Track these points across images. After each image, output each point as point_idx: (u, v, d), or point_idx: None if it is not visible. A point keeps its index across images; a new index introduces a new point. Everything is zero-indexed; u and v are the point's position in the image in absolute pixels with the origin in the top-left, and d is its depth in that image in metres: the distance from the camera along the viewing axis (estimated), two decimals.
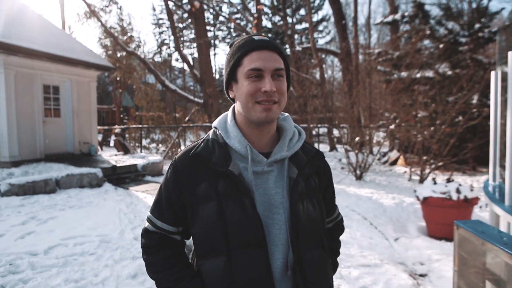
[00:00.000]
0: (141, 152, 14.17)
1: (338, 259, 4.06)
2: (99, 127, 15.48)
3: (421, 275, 3.78)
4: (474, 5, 16.24)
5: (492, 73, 3.03)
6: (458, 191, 4.83)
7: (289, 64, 1.19)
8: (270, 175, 1.11)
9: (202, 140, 1.17)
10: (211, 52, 41.66)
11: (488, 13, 10.02)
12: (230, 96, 1.17)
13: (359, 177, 8.92)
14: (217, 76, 44.10)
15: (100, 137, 16.26)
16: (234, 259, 1.04)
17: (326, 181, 1.26)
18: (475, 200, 4.87)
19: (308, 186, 1.15)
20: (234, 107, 1.20)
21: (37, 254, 3.98)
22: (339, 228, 1.38)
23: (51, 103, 9.89)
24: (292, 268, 1.07)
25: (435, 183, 5.24)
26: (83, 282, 3.40)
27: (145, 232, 1.21)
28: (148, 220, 1.21)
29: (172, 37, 38.98)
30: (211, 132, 1.20)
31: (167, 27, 39.48)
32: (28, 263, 3.68)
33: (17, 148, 8.58)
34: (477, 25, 9.49)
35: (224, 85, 1.18)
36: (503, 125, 3.19)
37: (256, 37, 1.10)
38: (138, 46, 19.95)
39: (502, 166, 3.21)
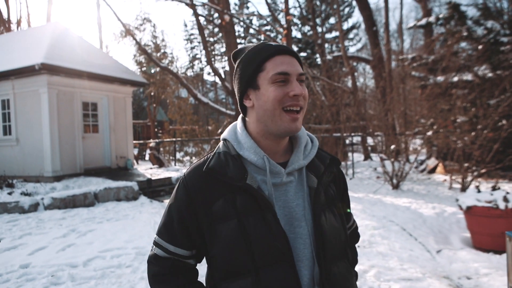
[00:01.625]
0: (175, 165, 14.45)
1: (377, 271, 3.89)
2: (134, 142, 15.97)
3: None
4: None
5: None
6: (505, 199, 4.52)
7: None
8: (289, 187, 1.05)
9: (211, 154, 1.10)
10: None
11: None
12: (246, 105, 1.07)
13: (395, 186, 8.60)
14: None
15: (136, 151, 16.77)
16: (263, 279, 0.97)
17: (342, 189, 1.20)
18: None
19: (327, 195, 1.09)
20: (242, 119, 1.14)
21: (76, 266, 4.09)
22: (355, 236, 1.31)
23: (89, 119, 10.32)
24: (319, 284, 1.01)
25: (479, 191, 4.94)
26: None
27: (155, 259, 1.10)
28: (157, 245, 1.10)
29: (203, 52, 39.89)
30: (220, 145, 1.12)
31: (199, 42, 40.46)
32: (68, 275, 3.78)
33: (59, 164, 8.97)
34: None
35: (238, 95, 1.10)
36: None
37: (272, 43, 1.06)
38: (171, 62, 20.53)
39: None
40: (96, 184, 8.21)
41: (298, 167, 1.06)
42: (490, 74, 9.36)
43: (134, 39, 11.48)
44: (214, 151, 1.10)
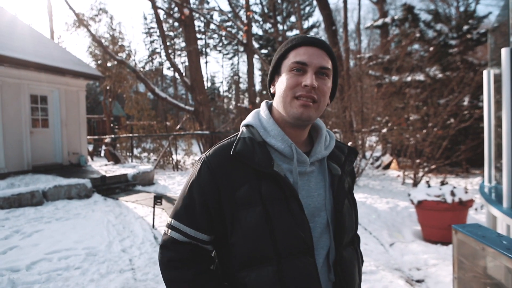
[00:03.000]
0: (132, 161, 13.98)
1: None
2: (89, 137, 15.29)
3: (418, 281, 3.68)
4: (462, 9, 16.44)
5: (485, 73, 2.97)
6: (452, 193, 4.76)
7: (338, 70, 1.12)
8: (311, 176, 1.06)
9: (235, 138, 1.06)
10: (202, 60, 41.67)
11: (475, 16, 10.09)
12: (271, 90, 1.11)
13: None
14: (208, 84, 44.13)
15: (90, 147, 16.06)
16: (285, 268, 0.96)
17: (354, 178, 1.25)
18: (470, 203, 4.81)
19: (348, 184, 1.14)
20: (267, 104, 1.13)
21: (18, 270, 3.80)
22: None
23: (39, 113, 9.71)
24: (333, 270, 1.04)
25: (429, 186, 5.17)
26: None
27: (172, 243, 1.04)
28: (174, 229, 1.04)
29: (163, 46, 39.01)
30: (244, 129, 1.09)
31: (158, 36, 39.43)
32: (8, 280, 3.51)
33: (3, 160, 8.37)
34: (465, 27, 9.55)
35: (268, 79, 1.12)
36: (497, 126, 3.12)
37: (308, 35, 1.07)
38: (129, 55, 19.79)
39: (497, 167, 3.14)
40: (46, 182, 7.73)
41: (321, 157, 1.07)
42: (440, 75, 9.86)
43: (88, 30, 10.93)
44: (238, 136, 1.06)
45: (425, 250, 4.50)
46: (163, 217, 6.07)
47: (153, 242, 4.82)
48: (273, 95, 1.11)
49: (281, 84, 1.03)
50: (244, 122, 1.12)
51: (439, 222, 4.78)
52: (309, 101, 0.99)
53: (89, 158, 12.78)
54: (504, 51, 2.15)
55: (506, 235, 1.74)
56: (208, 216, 1.01)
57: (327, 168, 1.09)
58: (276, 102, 1.06)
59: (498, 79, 2.89)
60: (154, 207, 5.59)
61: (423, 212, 5.00)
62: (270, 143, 1.03)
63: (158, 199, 5.55)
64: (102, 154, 17.01)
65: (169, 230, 1.05)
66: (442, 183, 5.17)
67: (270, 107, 1.12)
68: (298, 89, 0.99)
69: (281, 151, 1.02)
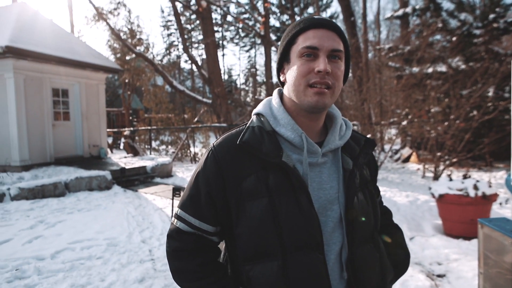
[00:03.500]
0: (150, 154, 14.18)
1: None
2: (108, 130, 15.56)
3: (439, 276, 3.61)
4: None
5: None
6: (475, 187, 4.63)
7: (350, 50, 1.06)
8: (323, 168, 1.01)
9: (244, 127, 1.03)
10: (219, 53, 41.72)
11: (502, 4, 9.71)
12: (281, 79, 1.05)
13: None
14: (225, 77, 44.18)
15: (110, 140, 16.35)
16: (290, 263, 0.92)
17: (374, 170, 1.17)
18: (494, 197, 4.67)
19: (361, 178, 1.06)
20: (279, 92, 1.09)
21: (44, 258, 3.93)
22: (386, 210, 1.27)
23: (60, 107, 9.93)
24: (345, 268, 0.98)
25: (450, 179, 5.05)
26: (89, 287, 3.33)
27: (177, 233, 1.03)
28: (180, 218, 1.03)
29: (180, 39, 39.21)
30: (254, 118, 1.05)
31: (176, 29, 39.64)
32: (35, 268, 3.62)
33: (27, 152, 8.61)
34: (491, 16, 9.21)
35: (276, 67, 1.06)
36: None
37: (316, 16, 1.00)
38: (147, 48, 19.97)
39: None
40: (67, 174, 7.93)
41: (334, 147, 1.02)
42: (463, 66, 9.56)
43: (107, 23, 11.05)
44: (247, 125, 1.03)
45: (446, 245, 4.42)
46: None
47: None
48: (282, 83, 1.07)
49: (292, 72, 0.97)
50: (255, 111, 1.08)
51: (461, 217, 4.68)
52: (323, 88, 0.94)
53: (108, 150, 13.03)
54: None
55: None
56: (213, 206, 0.99)
57: (342, 159, 1.04)
58: (288, 91, 1.01)
59: None
60: (172, 199, 5.64)
61: (444, 206, 4.89)
62: (280, 132, 0.99)
63: (177, 190, 5.60)
64: (121, 147, 17.31)
65: (176, 220, 1.04)
66: (465, 177, 5.04)
67: (281, 95, 1.08)
68: (311, 76, 0.94)
69: (291, 140, 0.98)
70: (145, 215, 5.76)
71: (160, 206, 6.37)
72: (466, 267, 3.71)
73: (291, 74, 0.98)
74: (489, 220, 1.73)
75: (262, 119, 1.03)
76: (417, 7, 10.53)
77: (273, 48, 19.00)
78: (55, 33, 10.30)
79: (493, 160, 9.53)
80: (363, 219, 1.01)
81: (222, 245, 1.13)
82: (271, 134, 0.98)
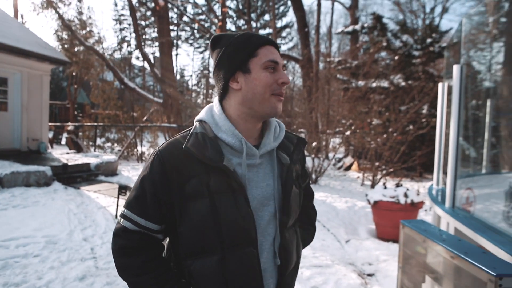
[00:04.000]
0: (95, 151, 13.63)
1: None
2: (50, 124, 14.72)
3: (369, 275, 3.93)
4: (427, 22, 17.24)
5: (440, 85, 3.23)
6: (406, 195, 5.08)
7: None
8: (260, 168, 1.11)
9: (187, 134, 1.10)
10: (173, 52, 41.03)
11: (439, 30, 10.68)
12: (233, 87, 1.09)
13: (314, 181, 9.13)
14: (178, 77, 43.46)
15: (50, 134, 15.47)
16: (228, 258, 1.02)
17: (304, 163, 1.30)
18: (420, 204, 5.15)
19: (296, 172, 1.19)
20: (218, 101, 1.15)
21: None
22: (309, 192, 1.41)
23: None
24: (279, 254, 1.11)
25: (385, 187, 5.47)
26: (25, 285, 3.21)
27: (123, 232, 1.08)
28: (126, 218, 1.08)
29: (133, 35, 37.99)
30: (196, 125, 1.13)
31: (129, 24, 38.34)
32: None
33: None
34: (428, 40, 10.10)
35: (223, 77, 1.10)
36: (448, 134, 3.42)
37: (258, 34, 1.12)
38: (98, 42, 19.15)
39: (444, 172, 3.43)
40: (2, 168, 7.42)
41: (270, 149, 1.12)
42: (403, 83, 10.36)
43: (57, 12, 10.49)
44: (191, 131, 1.10)
45: (378, 247, 4.79)
46: None
47: None
48: (223, 92, 1.12)
49: (255, 81, 1.05)
50: (197, 117, 1.15)
51: (392, 222, 5.09)
52: (281, 97, 1.08)
53: (49, 145, 12.33)
54: (455, 68, 2.38)
55: (445, 230, 1.96)
56: (158, 206, 1.05)
57: (277, 158, 1.14)
58: (244, 98, 1.07)
59: (451, 92, 3.17)
60: (118, 197, 5.55)
61: (378, 211, 5.30)
62: (222, 138, 1.07)
63: (123, 189, 5.52)
64: (63, 142, 16.43)
65: (122, 219, 1.10)
66: (397, 185, 5.50)
67: (221, 103, 1.15)
68: (275, 86, 1.06)
69: (232, 145, 1.06)
70: (87, 213, 5.59)
71: (103, 204, 6.21)
72: (392, 267, 4.07)
73: (253, 83, 1.05)
74: (409, 222, 1.99)
75: (205, 125, 1.10)
76: (365, 25, 11.22)
77: None
78: None
79: (423, 171, 10.39)
80: (294, 209, 1.15)
81: (165, 241, 1.21)
82: (213, 140, 1.06)
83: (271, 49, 1.08)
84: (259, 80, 1.05)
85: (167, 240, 1.18)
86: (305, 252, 4.34)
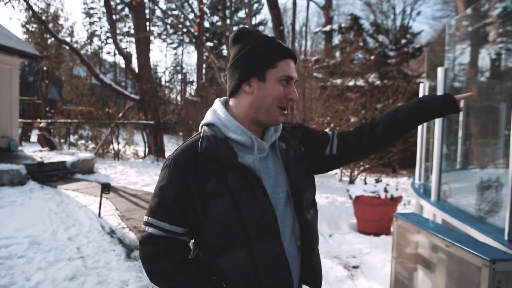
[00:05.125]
0: (69, 148, 13.25)
1: None
2: (20, 120, 14.15)
3: (354, 267, 4.09)
4: (398, 23, 17.79)
5: (421, 85, 3.40)
6: (386, 190, 5.29)
7: None
8: (268, 160, 1.17)
9: (198, 138, 1.13)
10: None
11: (411, 32, 11.08)
12: (245, 89, 1.13)
13: None
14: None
15: (19, 131, 14.87)
16: (255, 250, 1.06)
17: (310, 137, 1.33)
18: (399, 199, 5.38)
19: (296, 154, 1.24)
20: (222, 102, 1.21)
21: None
22: (343, 135, 1.37)
23: None
24: (300, 237, 1.16)
25: (365, 183, 5.67)
26: (13, 287, 3.14)
27: (151, 238, 1.11)
28: (150, 225, 1.11)
29: (103, 29, 36.98)
30: (205, 128, 1.16)
31: (99, 18, 37.32)
32: None
33: None
34: (403, 41, 10.46)
35: (238, 76, 1.13)
36: (427, 132, 3.62)
37: (285, 45, 1.15)
38: (70, 35, 18.53)
39: (425, 168, 3.63)
40: None
41: (274, 139, 1.20)
42: (378, 82, 10.69)
43: (27, 3, 10.06)
44: (201, 135, 1.13)
45: (360, 241, 4.97)
46: (108, 206, 5.95)
47: (101, 231, 4.75)
48: (234, 91, 1.16)
49: (268, 91, 1.10)
50: (204, 122, 1.19)
51: (373, 216, 5.30)
52: (286, 112, 1.14)
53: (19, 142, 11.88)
54: (440, 70, 2.53)
55: (435, 221, 2.10)
56: (180, 210, 1.08)
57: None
58: (253, 103, 1.12)
59: (432, 91, 3.36)
60: (101, 196, 5.47)
61: (359, 206, 5.49)
62: (232, 138, 1.12)
63: (106, 187, 5.45)
64: (33, 139, 15.84)
65: (146, 227, 1.12)
66: (377, 181, 5.71)
67: (224, 104, 1.21)
68: (283, 100, 1.11)
69: (242, 143, 1.11)
70: (69, 212, 5.48)
71: (84, 203, 6.09)
72: (376, 259, 4.25)
73: (264, 92, 1.11)
74: (402, 214, 2.12)
75: (213, 128, 1.14)
76: (342, 25, 11.48)
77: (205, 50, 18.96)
78: None
79: (398, 168, 10.78)
80: (303, 186, 1.20)
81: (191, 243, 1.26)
82: (224, 141, 1.10)
83: (290, 63, 1.12)
84: (271, 91, 1.10)
85: (192, 241, 1.22)
86: None
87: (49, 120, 14.10)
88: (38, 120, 17.05)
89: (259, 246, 1.06)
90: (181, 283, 1.08)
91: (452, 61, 3.29)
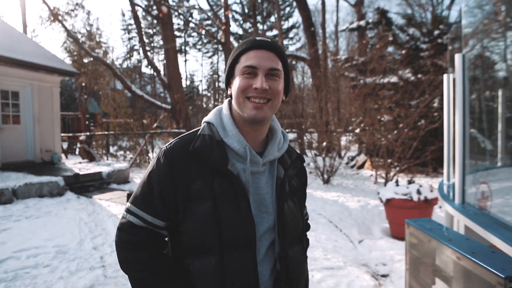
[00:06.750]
0: (107, 159, 13.77)
1: None
2: (63, 135, 14.93)
3: (383, 276, 3.82)
4: (437, 14, 16.94)
5: (445, 76, 3.13)
6: (418, 192, 4.95)
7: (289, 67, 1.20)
8: (261, 175, 1.13)
9: (196, 134, 1.13)
10: (182, 58, 41.32)
11: (447, 22, 10.45)
12: (228, 92, 1.17)
13: (326, 181, 9.01)
14: (188, 83, 43.77)
15: (65, 145, 15.71)
16: (226, 260, 1.04)
17: (304, 182, 1.32)
18: (434, 201, 5.01)
19: (291, 187, 1.19)
20: (229, 102, 1.19)
21: None
22: (307, 225, 1.43)
23: (10, 109, 9.44)
24: (279, 261, 1.11)
25: (397, 185, 5.35)
26: None
27: (130, 227, 1.10)
28: (132, 213, 1.10)
29: (140, 43, 38.41)
30: (205, 126, 1.15)
31: (137, 33, 38.84)
32: None
33: None
34: (436, 32, 9.88)
35: (225, 80, 1.19)
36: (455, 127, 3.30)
37: (258, 38, 1.12)
38: (106, 52, 19.40)
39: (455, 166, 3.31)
40: (16, 180, 7.54)
41: (273, 158, 1.15)
42: (412, 78, 10.16)
43: (63, 25, 10.67)
44: (199, 132, 1.13)
45: (392, 247, 4.67)
46: None
47: None
48: (231, 95, 1.17)
49: (234, 86, 1.10)
50: (205, 119, 1.18)
51: (405, 219, 4.97)
52: (261, 102, 1.06)
53: (63, 156, 12.52)
54: (457, 57, 2.28)
55: (451, 229, 1.86)
56: (164, 204, 1.07)
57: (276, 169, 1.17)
58: (233, 103, 1.13)
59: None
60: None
61: (391, 210, 5.18)
62: (228, 143, 1.10)
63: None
64: (77, 152, 16.67)
65: (127, 214, 1.11)
66: (409, 182, 5.36)
67: (231, 105, 1.18)
68: (249, 90, 1.06)
69: (237, 151, 1.09)
70: (98, 221, 5.62)
71: (114, 212, 6.23)
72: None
73: (233, 88, 1.10)
74: (414, 221, 1.90)
75: (212, 128, 1.13)
76: (370, 20, 11.07)
77: None
78: (5, 33, 9.84)
79: (438, 167, 10.15)
80: (292, 223, 1.15)
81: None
82: (219, 144, 1.09)
83: (257, 53, 1.08)
84: (236, 85, 1.09)
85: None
86: (317, 254, 4.26)
87: (88, 133, 14.76)
88: (81, 133, 17.95)
89: (231, 257, 1.04)
90: (150, 276, 1.07)
91: (473, 47, 2.96)
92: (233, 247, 1.04)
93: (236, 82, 1.09)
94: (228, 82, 1.17)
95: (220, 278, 1.03)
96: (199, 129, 1.15)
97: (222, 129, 1.12)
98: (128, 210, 1.12)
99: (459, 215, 2.21)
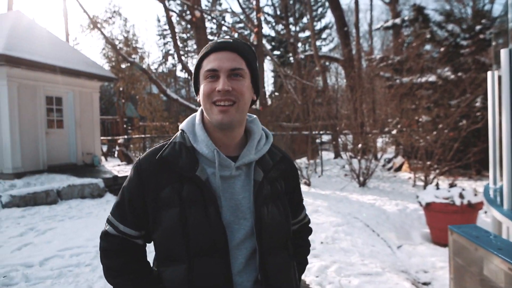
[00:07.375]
0: None
1: (338, 267, 3.92)
2: (103, 138, 15.54)
3: (425, 283, 3.68)
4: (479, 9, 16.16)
5: (489, 73, 2.96)
6: (461, 195, 4.72)
7: (257, 65, 1.16)
8: (237, 180, 1.09)
9: (168, 142, 1.13)
10: None
11: (489, 16, 9.93)
12: (197, 100, 1.14)
13: (362, 184, 8.80)
14: None
15: (105, 148, 16.34)
16: (195, 268, 1.01)
17: (294, 185, 1.25)
18: (479, 205, 4.76)
19: (273, 190, 1.13)
20: (201, 110, 1.17)
21: (32, 265, 3.94)
22: (307, 230, 1.37)
23: (54, 114, 9.95)
24: (260, 270, 1.05)
25: (437, 188, 5.13)
26: None
27: (105, 235, 1.14)
28: (109, 222, 1.14)
29: (174, 48, 39.32)
30: (178, 134, 1.15)
31: (171, 38, 39.82)
32: (23, 275, 3.64)
33: (20, 160, 8.61)
34: (478, 27, 9.41)
35: (194, 89, 1.16)
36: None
37: (219, 40, 1.10)
38: (142, 57, 20.04)
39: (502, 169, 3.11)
40: (60, 181, 7.94)
41: (248, 161, 1.09)
42: (451, 76, 9.72)
43: (101, 32, 11.13)
44: (171, 140, 1.13)
45: (433, 253, 4.48)
46: None
47: None
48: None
49: (200, 92, 1.08)
50: (180, 126, 1.18)
51: (447, 225, 4.72)
52: (226, 105, 1.02)
53: (103, 158, 13.03)
54: (503, 52, 2.15)
55: (500, 236, 1.75)
56: (135, 213, 1.09)
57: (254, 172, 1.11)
58: (203, 109, 1.11)
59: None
60: None
61: (431, 214, 4.97)
62: (197, 148, 1.08)
63: None
64: (116, 155, 17.30)
65: (106, 224, 1.16)
66: (451, 185, 5.13)
67: (203, 112, 1.16)
68: (214, 94, 1.03)
69: (206, 155, 1.06)
70: None
71: None
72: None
73: (200, 94, 1.08)
74: (458, 227, 1.80)
75: (184, 135, 1.12)
76: (406, 18, 10.72)
77: (267, 58, 19.16)
78: (50, 41, 10.38)
79: (482, 169, 9.64)
80: (272, 227, 1.07)
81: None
82: (190, 150, 1.08)
83: (217, 56, 1.05)
84: (201, 91, 1.07)
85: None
86: (353, 259, 4.15)
87: (126, 136, 15.27)
88: (120, 136, 18.60)
89: (200, 265, 1.01)
90: (126, 282, 1.09)
91: None
92: (202, 255, 1.01)
93: (201, 88, 1.07)
94: (197, 90, 1.14)
95: (189, 286, 1.01)
96: (170, 138, 1.16)
97: (192, 135, 1.11)
98: (107, 219, 1.15)
99: (508, 221, 2.07)
